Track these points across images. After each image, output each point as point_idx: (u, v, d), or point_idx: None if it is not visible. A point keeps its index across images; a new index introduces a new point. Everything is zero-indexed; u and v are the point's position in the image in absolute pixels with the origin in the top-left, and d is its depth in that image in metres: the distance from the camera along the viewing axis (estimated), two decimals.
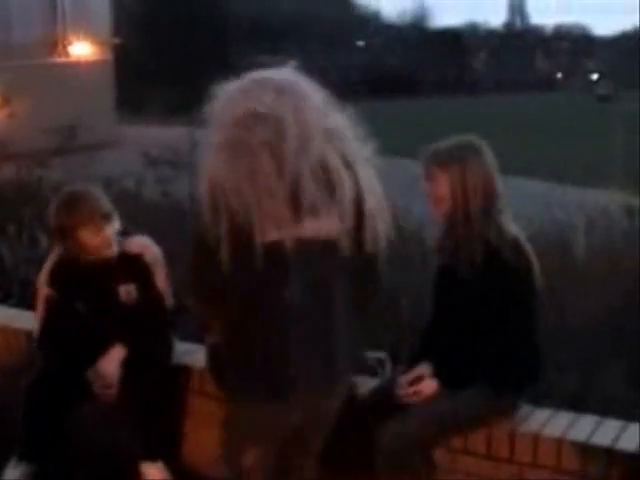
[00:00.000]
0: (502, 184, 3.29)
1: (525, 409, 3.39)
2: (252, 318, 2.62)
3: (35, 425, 3.74)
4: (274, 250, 2.51)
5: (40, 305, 3.85)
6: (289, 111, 2.50)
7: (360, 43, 57.55)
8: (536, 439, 3.24)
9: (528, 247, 3.26)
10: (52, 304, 3.80)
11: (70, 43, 22.87)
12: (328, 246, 2.57)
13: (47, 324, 3.82)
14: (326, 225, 2.56)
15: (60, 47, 22.61)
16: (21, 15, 20.90)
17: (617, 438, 3.19)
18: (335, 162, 2.53)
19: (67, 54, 22.77)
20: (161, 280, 3.74)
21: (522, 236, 3.28)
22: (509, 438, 3.28)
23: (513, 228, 3.27)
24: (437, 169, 3.27)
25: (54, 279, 3.80)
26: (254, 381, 2.65)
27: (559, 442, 3.20)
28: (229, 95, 2.58)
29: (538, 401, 3.51)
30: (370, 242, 2.65)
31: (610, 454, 3.12)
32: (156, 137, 13.83)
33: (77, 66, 22.23)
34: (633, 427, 3.26)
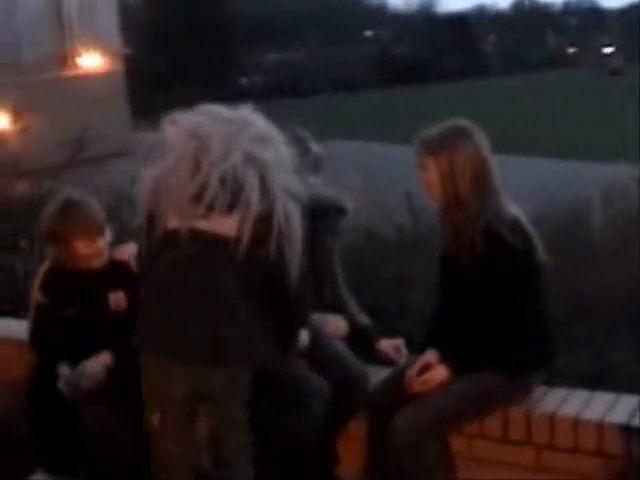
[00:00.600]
0: (497, 165, 3.26)
1: (540, 390, 3.37)
2: (149, 288, 3.11)
3: (43, 427, 3.83)
4: (172, 236, 2.95)
5: (32, 310, 3.91)
6: (218, 134, 2.92)
7: (368, 33, 57.39)
8: (552, 419, 3.21)
9: (529, 227, 3.23)
10: (42, 311, 3.86)
11: (79, 56, 22.99)
12: (219, 241, 2.92)
13: (37, 330, 3.89)
14: (222, 224, 2.91)
15: (70, 60, 22.72)
16: (29, 32, 21.01)
17: (633, 414, 3.16)
18: (249, 180, 2.88)
19: (77, 67, 22.89)
20: None
21: (523, 216, 3.24)
22: (525, 420, 3.26)
23: (512, 209, 3.24)
24: (426, 156, 3.25)
25: (45, 286, 3.85)
26: (146, 341, 3.10)
27: (575, 421, 3.17)
28: (181, 119, 3.00)
29: (553, 381, 3.48)
30: (275, 255, 2.92)
31: (627, 431, 3.08)
32: None
33: (87, 78, 22.33)
34: None
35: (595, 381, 3.80)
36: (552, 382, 3.45)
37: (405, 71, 47.69)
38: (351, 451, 3.51)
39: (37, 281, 3.91)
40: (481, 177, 3.22)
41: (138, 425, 3.66)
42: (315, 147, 3.70)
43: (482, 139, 3.28)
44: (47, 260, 3.92)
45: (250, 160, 2.89)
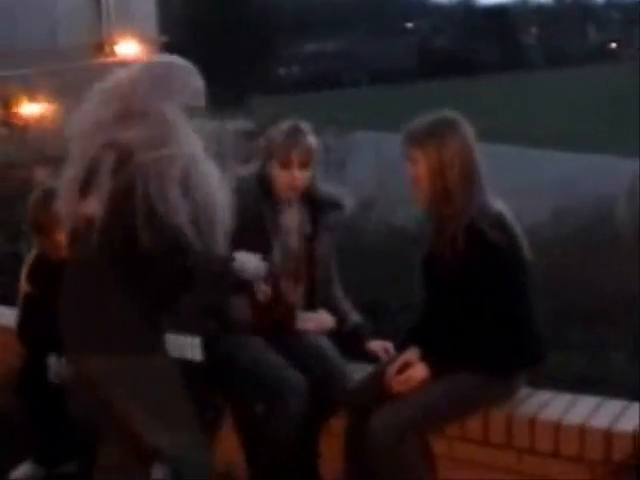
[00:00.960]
0: (482, 157, 3.16)
1: (524, 392, 3.27)
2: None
3: (33, 417, 3.89)
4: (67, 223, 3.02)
5: (20, 301, 3.94)
6: (90, 122, 2.92)
7: (409, 25, 57.09)
8: (533, 423, 3.11)
9: (514, 224, 3.13)
10: (29, 301, 3.86)
11: (116, 43, 23.10)
12: (89, 224, 2.86)
13: (24, 320, 3.90)
14: (85, 208, 2.87)
15: (106, 48, 22.85)
16: (67, 20, 21.16)
17: (617, 419, 3.05)
18: (104, 162, 2.82)
19: (113, 55, 23.00)
20: None
21: (508, 213, 3.14)
22: (506, 423, 3.16)
23: (497, 205, 3.15)
24: (414, 149, 3.16)
25: (31, 276, 3.86)
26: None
27: (556, 426, 3.07)
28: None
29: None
30: (159, 238, 2.79)
31: (608, 436, 2.98)
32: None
33: (123, 66, 22.44)
34: (634, 407, 3.12)
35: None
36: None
37: (445, 63, 47.37)
38: (333, 448, 3.44)
39: (24, 271, 3.89)
40: (469, 170, 3.13)
41: None
42: (311, 140, 3.60)
43: (469, 131, 3.18)
44: (33, 251, 3.90)
45: (110, 144, 2.84)
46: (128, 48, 23.29)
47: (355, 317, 3.76)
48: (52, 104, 15.16)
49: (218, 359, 3.54)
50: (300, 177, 3.52)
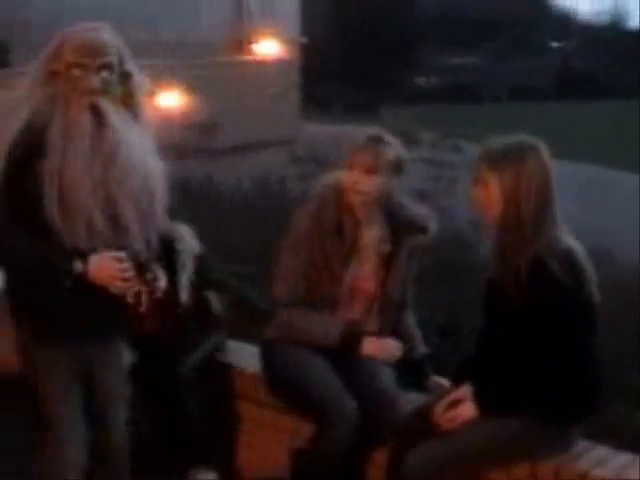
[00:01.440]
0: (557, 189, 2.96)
1: (582, 445, 3.05)
2: None
3: None
4: None
5: None
6: None
7: (554, 44, 55.84)
8: (583, 479, 2.90)
9: (584, 263, 2.93)
10: None
11: (256, 41, 23.38)
12: None
13: None
14: None
15: (246, 45, 23.16)
16: (209, 14, 21.56)
17: None
18: None
19: (253, 53, 23.29)
20: None
21: (579, 248, 2.94)
22: (554, 475, 2.96)
23: (568, 240, 2.95)
24: (489, 170, 2.98)
25: None
26: None
27: None
28: None
29: None
30: None
31: None
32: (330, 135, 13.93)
33: (262, 64, 22.69)
34: None
35: None
36: None
37: (585, 85, 46.13)
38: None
39: None
40: (544, 199, 2.95)
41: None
42: (385, 148, 3.43)
43: (547, 157, 3.00)
44: None
45: None
46: (268, 47, 23.52)
47: (422, 348, 3.64)
48: (182, 97, 15.44)
49: (278, 370, 3.49)
50: (363, 181, 3.40)
